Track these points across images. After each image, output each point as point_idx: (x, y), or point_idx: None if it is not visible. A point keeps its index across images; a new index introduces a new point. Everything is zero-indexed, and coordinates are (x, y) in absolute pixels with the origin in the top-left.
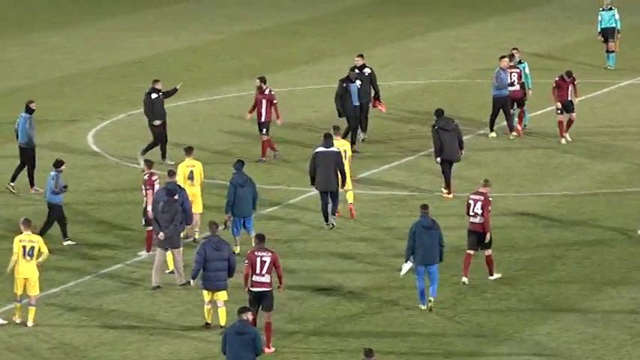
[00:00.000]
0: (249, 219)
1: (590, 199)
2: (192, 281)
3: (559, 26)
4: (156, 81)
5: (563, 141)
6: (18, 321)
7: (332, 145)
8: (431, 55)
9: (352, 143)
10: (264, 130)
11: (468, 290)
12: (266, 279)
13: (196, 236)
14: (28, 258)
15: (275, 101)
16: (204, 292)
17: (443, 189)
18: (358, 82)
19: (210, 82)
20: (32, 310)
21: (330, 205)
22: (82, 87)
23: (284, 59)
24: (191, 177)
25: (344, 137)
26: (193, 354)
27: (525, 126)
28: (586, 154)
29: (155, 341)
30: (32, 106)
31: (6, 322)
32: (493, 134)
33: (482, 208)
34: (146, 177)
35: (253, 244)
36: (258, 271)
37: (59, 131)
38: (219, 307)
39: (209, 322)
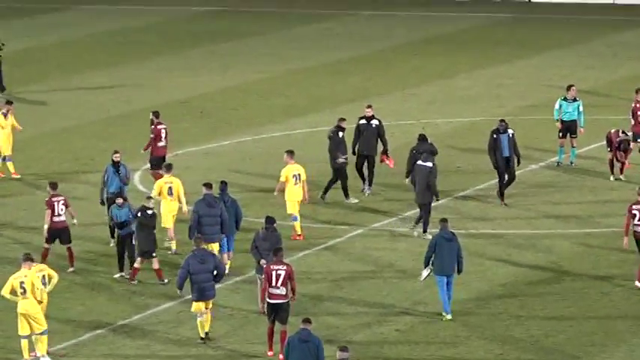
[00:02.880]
0: (230, 237)
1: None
2: (178, 291)
3: (605, 62)
4: (342, 119)
5: (611, 178)
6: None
7: (427, 160)
8: (476, 93)
9: (500, 195)
10: (153, 164)
11: (515, 327)
12: (281, 291)
13: (173, 247)
14: (43, 287)
15: (152, 136)
16: (197, 304)
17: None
18: (510, 131)
19: (256, 121)
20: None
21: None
22: (128, 127)
23: (330, 97)
24: (170, 193)
25: (501, 194)
26: None
27: (572, 163)
28: (633, 191)
29: None
30: (114, 157)
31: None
32: None
33: None
34: (47, 198)
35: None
36: (273, 284)
37: None
38: (206, 313)
39: (204, 337)
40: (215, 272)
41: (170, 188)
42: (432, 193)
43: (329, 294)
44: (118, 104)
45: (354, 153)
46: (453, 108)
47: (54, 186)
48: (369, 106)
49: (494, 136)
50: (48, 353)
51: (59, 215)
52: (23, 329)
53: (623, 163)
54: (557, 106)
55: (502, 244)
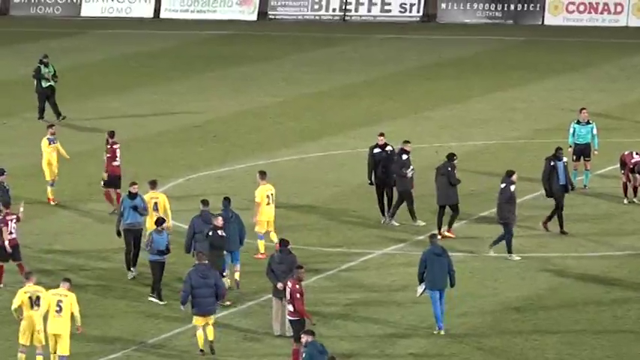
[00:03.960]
0: (235, 253)
1: None
2: (182, 306)
3: (618, 86)
4: (406, 142)
5: (625, 201)
6: None
7: (502, 181)
8: (489, 116)
9: (549, 220)
10: (106, 183)
11: (529, 350)
12: (290, 308)
13: None
14: (36, 307)
15: (108, 155)
16: (196, 319)
17: (445, 232)
18: (565, 159)
19: (269, 145)
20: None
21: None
22: (142, 152)
23: (343, 121)
24: (156, 208)
25: (549, 218)
26: None
27: (585, 186)
28: None
29: None
30: (131, 189)
31: None
32: None
33: None
34: (1, 216)
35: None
36: (286, 298)
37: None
38: (208, 326)
39: (203, 349)
40: (216, 290)
41: (156, 204)
42: (505, 213)
43: (342, 317)
44: (131, 128)
45: (371, 183)
46: (466, 131)
47: (6, 205)
48: (382, 134)
49: (552, 163)
50: None
51: (11, 233)
52: (51, 349)
53: (636, 188)
54: (571, 130)
55: (516, 267)
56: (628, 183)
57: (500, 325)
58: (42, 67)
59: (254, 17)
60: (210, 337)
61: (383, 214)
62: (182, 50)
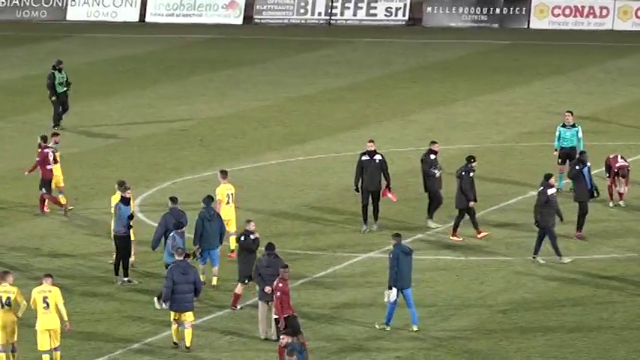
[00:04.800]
0: (214, 251)
1: (638, 261)
2: (163, 304)
3: (604, 89)
4: (433, 142)
5: (611, 204)
6: None
7: (540, 185)
8: (475, 120)
9: (580, 227)
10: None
11: (515, 354)
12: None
13: (132, 259)
14: (7, 308)
15: (37, 159)
16: (172, 313)
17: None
18: (589, 164)
19: (255, 149)
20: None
21: None
22: (128, 155)
23: (329, 125)
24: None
25: (579, 227)
26: None
27: (572, 189)
28: (634, 216)
29: None
30: (126, 194)
31: None
32: None
33: None
34: None
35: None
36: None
37: (105, 200)
38: (186, 328)
39: (176, 341)
40: (195, 287)
41: None
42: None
43: (328, 320)
44: (117, 132)
45: (357, 190)
46: (452, 135)
47: None
48: (371, 141)
49: (577, 167)
50: None
51: None
52: (43, 345)
53: (621, 194)
54: (557, 134)
55: (502, 270)
56: (613, 186)
57: (486, 328)
58: (56, 72)
59: (240, 21)
60: (187, 343)
61: (365, 222)
62: (168, 54)
